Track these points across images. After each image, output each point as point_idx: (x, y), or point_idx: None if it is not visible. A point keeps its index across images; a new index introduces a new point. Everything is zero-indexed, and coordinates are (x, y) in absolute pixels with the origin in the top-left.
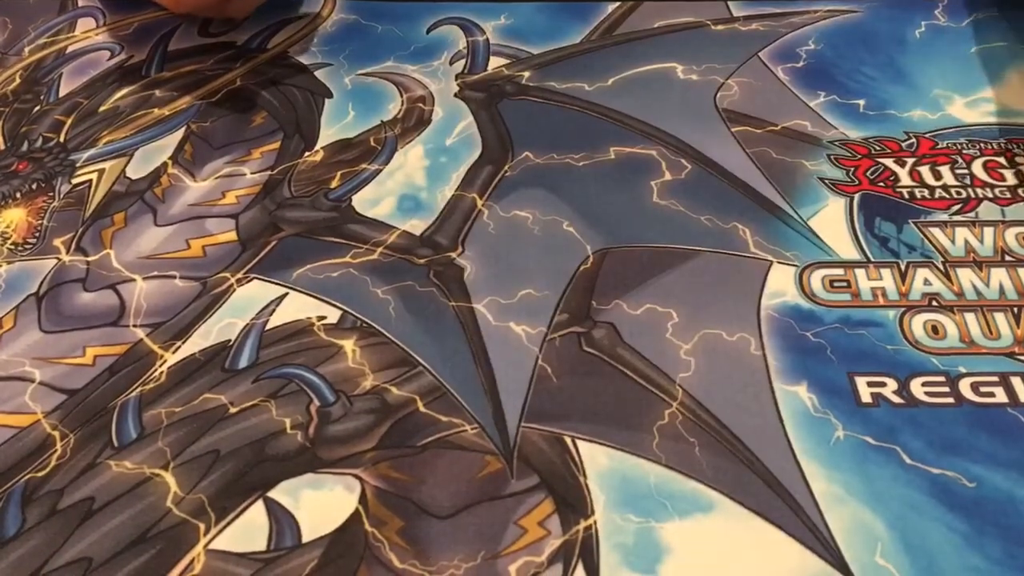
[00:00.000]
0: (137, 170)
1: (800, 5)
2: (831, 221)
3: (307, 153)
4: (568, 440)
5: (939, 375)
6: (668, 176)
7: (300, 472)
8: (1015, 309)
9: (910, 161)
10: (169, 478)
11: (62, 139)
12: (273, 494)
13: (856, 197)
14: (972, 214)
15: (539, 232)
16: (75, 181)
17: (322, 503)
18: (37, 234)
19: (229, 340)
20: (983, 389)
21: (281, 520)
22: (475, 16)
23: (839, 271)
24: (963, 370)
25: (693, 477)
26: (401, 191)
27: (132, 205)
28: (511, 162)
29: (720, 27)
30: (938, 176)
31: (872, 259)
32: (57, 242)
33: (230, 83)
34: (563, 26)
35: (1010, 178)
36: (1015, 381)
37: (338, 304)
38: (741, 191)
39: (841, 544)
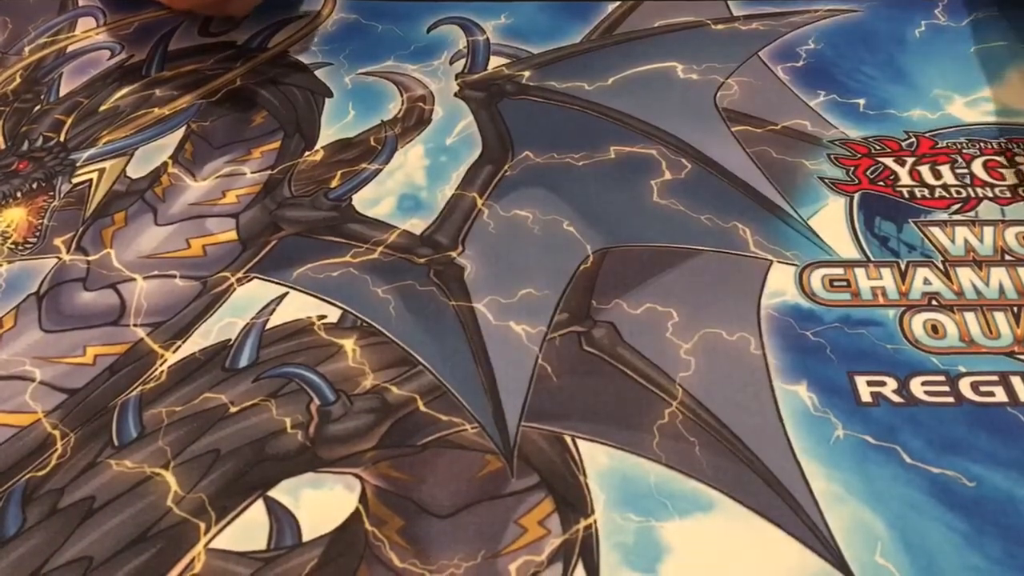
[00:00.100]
0: (137, 169)
1: (800, 4)
2: (831, 220)
3: (307, 152)
4: (568, 439)
5: (939, 374)
6: (668, 175)
7: (300, 471)
8: (1015, 308)
9: (910, 160)
10: (169, 477)
11: (62, 138)
12: (273, 493)
13: (856, 196)
14: (972, 213)
15: (539, 231)
16: (75, 180)
17: (322, 502)
18: (37, 233)
19: (229, 339)
20: (983, 388)
21: (281, 519)
22: (475, 16)
23: (839, 270)
24: (963, 369)
25: (693, 476)
26: (401, 190)
27: (132, 204)
28: (511, 161)
29: (720, 26)
30: (938, 175)
31: (872, 258)
32: (57, 241)
33: (230, 82)
34: (563, 26)
35: (1010, 177)
36: (1015, 380)
37: (338, 303)
38: (741, 190)
39: (841, 543)
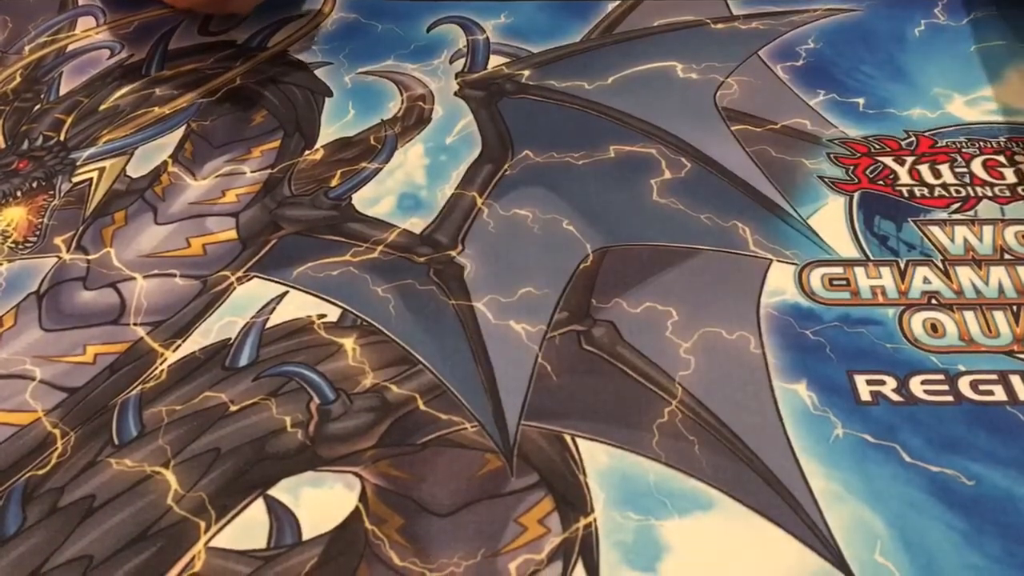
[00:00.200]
0: (137, 168)
1: (800, 4)
2: (831, 219)
3: (307, 151)
4: (568, 438)
5: (938, 373)
6: (668, 174)
7: (300, 470)
8: (1014, 307)
9: (909, 159)
10: (170, 476)
11: (62, 138)
12: (273, 492)
13: (856, 195)
14: (971, 212)
15: (539, 230)
16: (75, 179)
17: (322, 501)
18: (37, 232)
19: (229, 338)
20: (982, 387)
21: (281, 518)
22: (475, 15)
23: (838, 269)
24: (962, 368)
25: (693, 475)
26: (401, 189)
27: (132, 203)
28: (511, 161)
29: (720, 26)
30: (937, 174)
31: (871, 257)
32: (57, 240)
33: (230, 82)
34: (563, 25)
35: (1009, 176)
36: (1014, 379)
37: (338, 302)
38: (741, 189)
39: (840, 542)
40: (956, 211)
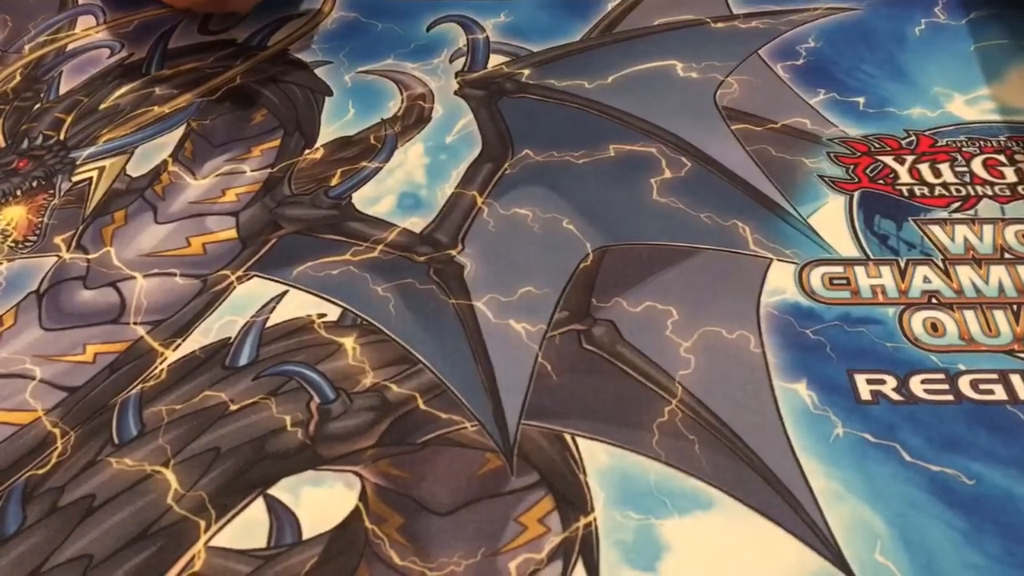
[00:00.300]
0: (137, 168)
1: (800, 3)
2: (831, 219)
3: (307, 151)
4: (568, 437)
5: (938, 372)
6: (668, 174)
7: (300, 469)
8: (1014, 307)
9: (910, 159)
10: (170, 475)
11: (62, 137)
12: (273, 491)
13: (856, 195)
14: (972, 212)
15: (539, 230)
16: (75, 179)
17: (322, 500)
18: (37, 232)
19: (229, 338)
20: (982, 386)
21: (281, 517)
22: (475, 14)
23: (839, 268)
24: (962, 367)
25: (693, 474)
26: (401, 189)
27: (132, 203)
28: (511, 160)
29: (720, 25)
30: (938, 174)
31: (872, 257)
32: (57, 240)
33: (230, 81)
34: (563, 23)
35: (1010, 176)
36: (1014, 378)
37: (338, 302)
38: (741, 189)
39: (840, 541)
40: (956, 210)
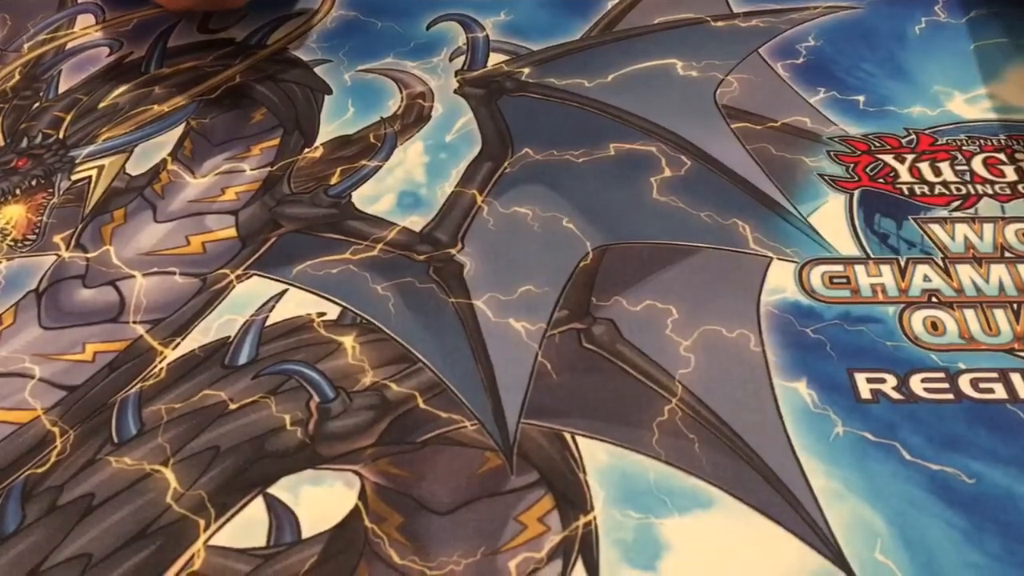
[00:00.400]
0: (137, 166)
1: (800, 1)
2: (831, 217)
3: (307, 149)
4: (568, 436)
5: (938, 371)
6: (668, 172)
7: (300, 468)
8: (1014, 305)
9: (910, 157)
10: (169, 474)
11: (61, 135)
12: (273, 490)
13: (856, 193)
14: (972, 210)
15: (539, 228)
16: (75, 177)
17: (322, 499)
18: (37, 230)
19: (229, 336)
20: (982, 385)
21: (281, 516)
22: (475, 12)
23: (839, 267)
24: (962, 366)
25: (693, 473)
26: (401, 187)
27: (132, 201)
28: (511, 158)
29: (720, 23)
30: (938, 172)
31: (872, 255)
32: (57, 238)
33: (229, 79)
34: (563, 22)
35: (1010, 174)
36: (1015, 377)
37: (338, 300)
38: (741, 187)
39: (841, 540)
40: (956, 209)
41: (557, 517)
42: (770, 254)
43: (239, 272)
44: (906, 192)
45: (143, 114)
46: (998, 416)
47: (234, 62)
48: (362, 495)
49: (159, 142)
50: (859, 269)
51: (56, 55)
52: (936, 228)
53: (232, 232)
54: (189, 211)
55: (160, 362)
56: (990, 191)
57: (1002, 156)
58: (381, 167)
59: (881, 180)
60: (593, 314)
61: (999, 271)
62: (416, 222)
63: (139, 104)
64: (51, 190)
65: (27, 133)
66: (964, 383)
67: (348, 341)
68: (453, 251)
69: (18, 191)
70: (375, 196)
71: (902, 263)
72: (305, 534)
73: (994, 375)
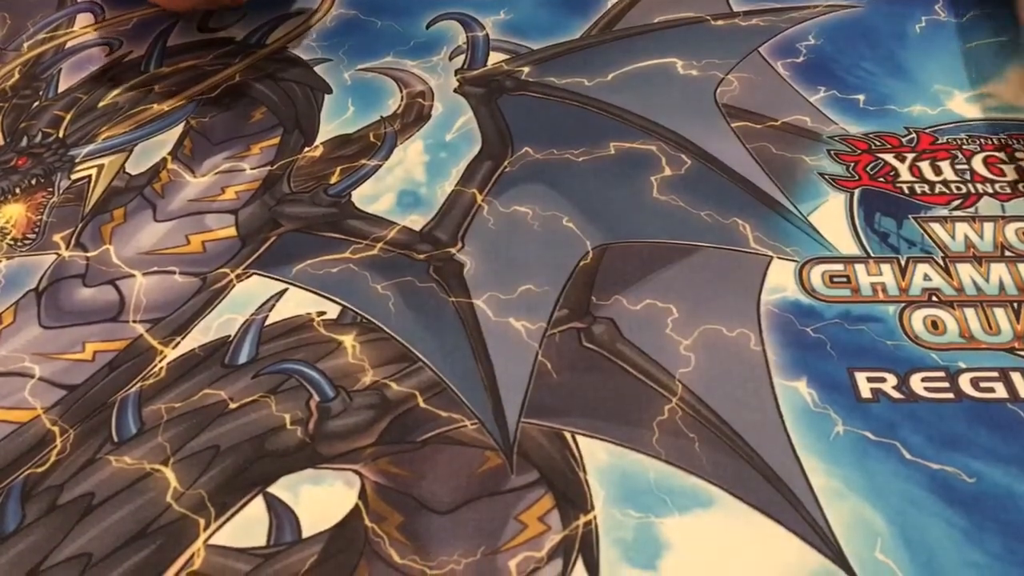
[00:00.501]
0: (136, 166)
1: (800, 0)
2: (831, 216)
3: (307, 149)
4: (568, 436)
5: (939, 370)
6: (668, 171)
7: (300, 467)
8: (1015, 304)
9: (910, 156)
10: (169, 473)
11: (61, 135)
12: (273, 489)
13: (856, 192)
14: (972, 209)
15: (539, 228)
16: (74, 177)
17: (322, 498)
18: (36, 230)
19: (229, 336)
20: (983, 384)
21: (281, 515)
22: (474, 11)
23: (839, 266)
24: (963, 365)
25: (693, 472)
26: (401, 187)
27: (131, 201)
28: (511, 158)
29: (720, 22)
30: (938, 171)
31: (872, 254)
32: (56, 238)
33: (229, 79)
34: (563, 21)
35: (1010, 173)
36: (1015, 376)
37: (338, 300)
38: (741, 186)
39: (841, 539)
40: (957, 208)
41: (557, 516)
42: (770, 253)
43: (239, 271)
44: (906, 191)
45: (143, 113)
46: (998, 415)
47: (234, 61)
48: (362, 494)
49: (159, 141)
50: (859, 268)
51: (56, 54)
52: (936, 227)
53: (232, 231)
54: (189, 210)
55: (160, 361)
56: (990, 190)
57: (1002, 155)
58: (381, 166)
59: (881, 179)
60: (593, 313)
61: (999, 270)
62: (416, 221)
63: (139, 103)
64: (51, 189)
65: (27, 132)
66: (964, 382)
67: (348, 340)
68: (453, 250)
69: (18, 190)
70: (375, 195)
71: (902, 262)
72: (305, 533)
73: (994, 374)
